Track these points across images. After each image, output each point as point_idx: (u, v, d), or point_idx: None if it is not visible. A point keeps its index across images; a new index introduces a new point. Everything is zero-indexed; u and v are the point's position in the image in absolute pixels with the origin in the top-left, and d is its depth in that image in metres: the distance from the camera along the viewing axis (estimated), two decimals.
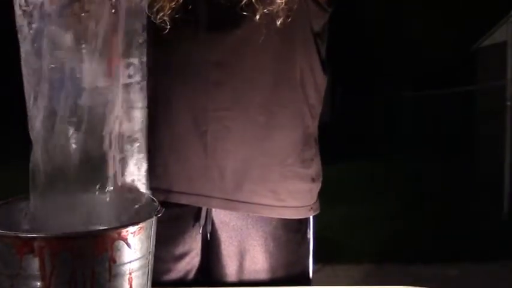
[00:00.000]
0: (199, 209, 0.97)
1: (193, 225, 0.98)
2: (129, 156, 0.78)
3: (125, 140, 0.77)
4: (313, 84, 0.96)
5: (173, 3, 0.86)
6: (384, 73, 13.10)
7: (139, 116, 0.78)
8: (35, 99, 0.70)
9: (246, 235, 0.97)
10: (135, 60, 0.76)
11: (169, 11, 0.86)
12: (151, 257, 0.75)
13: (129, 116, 0.77)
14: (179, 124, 0.93)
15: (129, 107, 0.77)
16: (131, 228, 0.69)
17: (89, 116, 0.72)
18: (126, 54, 0.75)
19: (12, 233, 0.67)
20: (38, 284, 0.65)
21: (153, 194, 0.82)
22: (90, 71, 0.72)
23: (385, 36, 12.98)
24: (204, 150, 0.92)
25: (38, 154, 0.71)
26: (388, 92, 11.49)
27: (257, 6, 0.84)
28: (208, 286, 1.00)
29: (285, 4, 0.84)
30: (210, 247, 0.99)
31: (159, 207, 0.77)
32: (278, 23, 0.85)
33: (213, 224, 0.98)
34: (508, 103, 5.03)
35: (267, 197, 0.94)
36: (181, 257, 1.00)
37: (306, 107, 0.96)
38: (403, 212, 4.65)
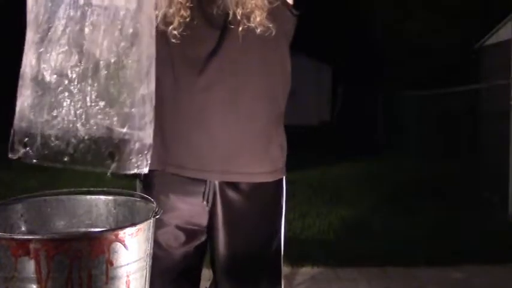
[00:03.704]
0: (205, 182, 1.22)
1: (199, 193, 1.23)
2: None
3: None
4: (284, 73, 1.24)
5: (182, 20, 1.12)
6: (386, 72, 13.07)
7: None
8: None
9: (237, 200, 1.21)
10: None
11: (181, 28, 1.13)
12: (149, 259, 0.74)
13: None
14: (183, 119, 1.18)
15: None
16: (129, 230, 0.68)
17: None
18: None
19: (7, 235, 0.66)
20: (34, 287, 0.64)
21: (167, 167, 1.17)
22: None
23: (386, 35, 12.95)
24: (205, 135, 1.17)
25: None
26: (390, 91, 11.45)
27: (240, 21, 1.13)
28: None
29: (261, 19, 1.12)
30: (212, 215, 1.22)
31: (157, 208, 0.76)
32: (258, 31, 1.13)
33: (214, 194, 1.21)
34: None
35: (253, 167, 1.21)
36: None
37: (281, 92, 1.24)
38: (405, 213, 4.62)
